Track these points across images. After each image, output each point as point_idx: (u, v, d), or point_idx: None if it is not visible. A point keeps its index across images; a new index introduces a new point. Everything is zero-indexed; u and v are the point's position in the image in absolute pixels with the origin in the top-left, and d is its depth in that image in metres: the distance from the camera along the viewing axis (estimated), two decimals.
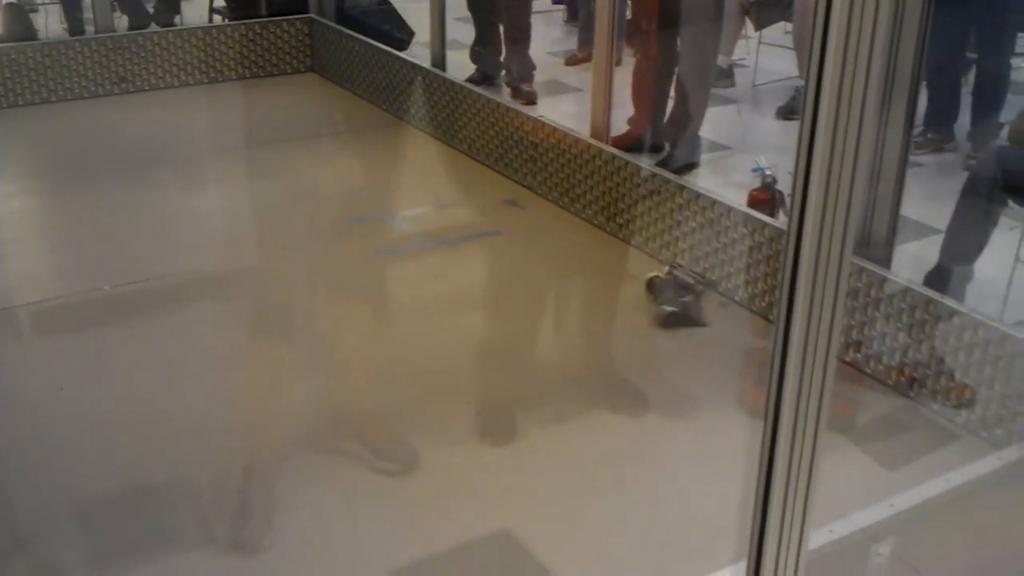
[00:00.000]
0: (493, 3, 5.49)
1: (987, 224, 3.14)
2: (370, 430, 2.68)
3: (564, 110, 5.15)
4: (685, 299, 3.15)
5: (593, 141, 3.80)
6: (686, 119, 4.41)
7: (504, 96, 5.19)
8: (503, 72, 5.55)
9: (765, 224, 3.12)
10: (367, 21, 5.73)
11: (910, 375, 2.72)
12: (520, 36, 5.46)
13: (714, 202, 3.27)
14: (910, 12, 2.77)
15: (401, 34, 5.73)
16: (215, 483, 2.44)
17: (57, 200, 4.18)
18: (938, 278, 3.07)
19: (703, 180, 4.16)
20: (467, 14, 5.65)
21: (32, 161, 4.63)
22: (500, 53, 5.56)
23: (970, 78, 4.80)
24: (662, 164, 4.18)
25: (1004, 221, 3.19)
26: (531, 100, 5.28)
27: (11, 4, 6.13)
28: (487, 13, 5.51)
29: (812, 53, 1.15)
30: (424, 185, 4.41)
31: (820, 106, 1.16)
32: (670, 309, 3.12)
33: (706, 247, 3.32)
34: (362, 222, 3.89)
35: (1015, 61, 4.65)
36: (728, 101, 5.44)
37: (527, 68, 5.46)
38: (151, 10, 6.39)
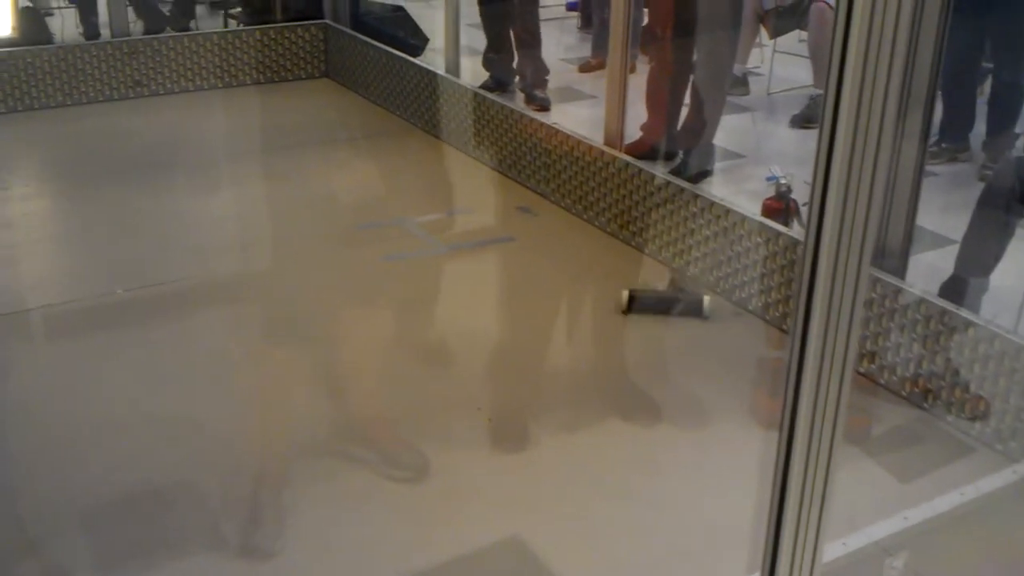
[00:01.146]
0: (503, 10, 5.49)
1: (1003, 235, 3.12)
2: (380, 436, 2.68)
3: (578, 117, 5.15)
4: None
5: (607, 148, 3.79)
6: (700, 127, 4.40)
7: (518, 103, 5.19)
8: (516, 78, 5.55)
9: (779, 233, 3.10)
10: (382, 27, 5.75)
11: (925, 387, 2.71)
12: (530, 41, 5.45)
13: (728, 211, 3.26)
14: (927, 22, 2.75)
15: (415, 40, 5.74)
16: (225, 488, 2.44)
17: (71, 204, 4.20)
18: (953, 289, 3.05)
19: (717, 188, 4.15)
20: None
21: (47, 164, 4.65)
22: (512, 60, 5.57)
23: (986, 88, 4.78)
24: (676, 172, 4.17)
25: (1020, 232, 3.17)
26: (544, 106, 5.28)
27: (27, 8, 6.16)
28: (497, 20, 5.51)
29: (831, 63, 1.14)
30: (437, 191, 4.41)
31: (839, 116, 1.15)
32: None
33: (720, 256, 3.31)
34: (375, 228, 3.89)
35: None
36: (742, 109, 5.43)
37: (540, 74, 5.46)
38: (167, 14, 6.42)
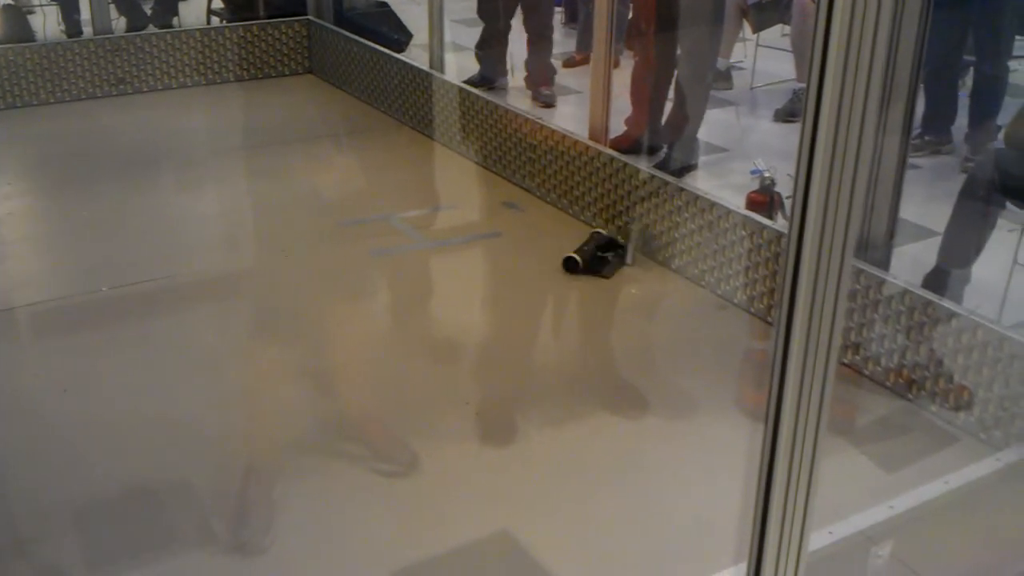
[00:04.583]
0: (504, 7, 5.49)
1: (985, 226, 3.15)
2: (369, 432, 2.69)
3: (562, 112, 5.16)
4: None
5: (592, 143, 3.80)
6: (684, 121, 4.42)
7: (502, 98, 5.19)
8: (524, 75, 5.53)
9: (763, 226, 3.12)
10: (365, 23, 5.74)
11: (909, 377, 2.73)
12: (541, 39, 5.45)
13: (712, 204, 3.28)
14: (909, 15, 2.77)
15: (399, 36, 5.74)
16: (215, 484, 2.44)
17: (55, 202, 4.18)
18: (936, 280, 3.07)
19: (701, 182, 4.17)
20: (465, 16, 5.65)
21: (30, 163, 4.62)
22: (503, 56, 5.57)
23: (967, 81, 4.82)
24: (660, 166, 4.19)
25: (1002, 223, 3.20)
26: (550, 103, 5.28)
27: (8, 6, 6.13)
28: (496, 17, 5.51)
29: (813, 57, 1.15)
30: (423, 187, 4.41)
31: (821, 110, 1.16)
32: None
33: (704, 249, 3.32)
34: (360, 224, 3.89)
35: (1012, 64, 4.66)
36: (726, 103, 5.45)
37: (547, 71, 5.45)
38: (149, 12, 6.40)
